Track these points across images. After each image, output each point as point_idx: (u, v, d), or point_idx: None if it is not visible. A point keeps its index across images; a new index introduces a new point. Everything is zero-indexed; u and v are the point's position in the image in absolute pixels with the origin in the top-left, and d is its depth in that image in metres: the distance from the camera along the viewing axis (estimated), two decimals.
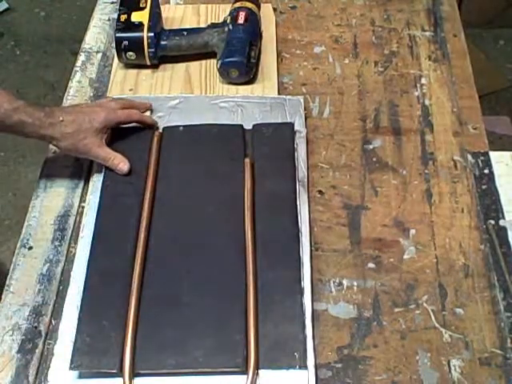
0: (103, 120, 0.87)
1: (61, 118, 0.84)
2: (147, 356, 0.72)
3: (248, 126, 0.93)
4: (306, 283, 0.77)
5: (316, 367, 0.72)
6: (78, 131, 0.85)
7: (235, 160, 0.88)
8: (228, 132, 0.92)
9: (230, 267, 0.79)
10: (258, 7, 1.07)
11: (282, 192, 0.85)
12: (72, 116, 0.85)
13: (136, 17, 1.02)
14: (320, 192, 0.89)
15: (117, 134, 0.91)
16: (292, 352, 0.72)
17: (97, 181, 0.88)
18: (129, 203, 0.84)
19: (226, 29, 1.02)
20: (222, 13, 1.11)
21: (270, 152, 0.89)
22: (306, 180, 0.88)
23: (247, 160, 0.88)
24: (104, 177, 0.88)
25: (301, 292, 0.76)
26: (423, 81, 1.02)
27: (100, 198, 0.85)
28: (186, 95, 0.99)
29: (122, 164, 0.87)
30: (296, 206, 0.83)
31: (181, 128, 0.93)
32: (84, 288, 0.77)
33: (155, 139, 0.91)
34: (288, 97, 0.98)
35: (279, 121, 0.94)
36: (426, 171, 0.91)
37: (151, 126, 0.94)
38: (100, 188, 0.87)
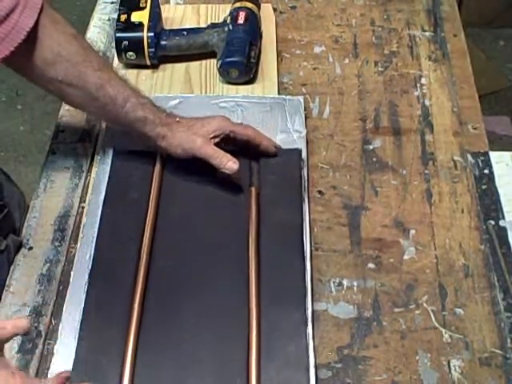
0: (216, 124, 0.85)
1: (177, 119, 0.85)
2: None
3: None
4: (307, 285, 0.76)
5: (316, 367, 0.72)
6: (189, 130, 0.84)
7: (240, 188, 0.85)
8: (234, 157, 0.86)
9: (233, 305, 0.75)
10: (258, 7, 1.07)
11: (289, 224, 0.81)
12: (187, 119, 0.86)
13: (136, 17, 1.02)
14: (320, 192, 0.89)
15: (120, 157, 0.89)
16: None
17: (97, 181, 0.88)
18: (129, 232, 0.81)
19: (226, 29, 1.02)
20: (221, 13, 1.11)
21: (276, 180, 0.85)
22: (306, 180, 0.88)
23: (253, 189, 0.85)
24: (104, 202, 0.84)
25: (306, 335, 0.72)
26: (423, 81, 1.02)
27: (100, 223, 0.82)
28: (185, 95, 0.99)
29: (230, 163, 0.82)
30: (303, 240, 0.80)
31: None
32: (81, 322, 0.74)
33: (158, 164, 0.87)
34: (288, 97, 0.98)
35: (279, 121, 0.94)
36: (426, 171, 0.91)
37: (266, 152, 0.88)
38: (100, 213, 0.83)
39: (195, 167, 0.86)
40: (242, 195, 0.84)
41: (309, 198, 0.87)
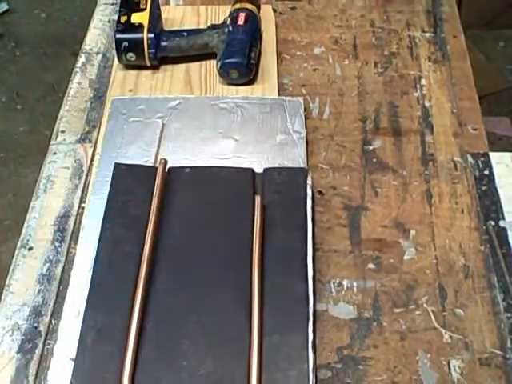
0: None
1: None
2: None
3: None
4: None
5: (316, 368, 0.72)
6: None
7: (244, 207, 0.82)
8: (237, 176, 0.85)
9: (234, 328, 0.73)
10: (258, 8, 1.07)
11: (292, 248, 0.79)
12: None
13: (136, 18, 1.02)
14: (320, 193, 0.89)
15: (119, 172, 0.86)
16: None
17: (97, 181, 0.88)
18: (129, 252, 0.78)
19: (226, 30, 1.02)
20: (221, 14, 1.11)
21: (280, 201, 0.83)
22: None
23: (257, 211, 0.81)
24: (104, 219, 0.82)
25: (307, 360, 0.71)
26: (423, 82, 1.02)
27: (99, 242, 0.80)
28: (185, 96, 0.99)
29: None
30: (306, 265, 0.78)
31: (187, 170, 0.87)
32: (78, 346, 0.72)
33: (159, 180, 0.84)
34: (288, 98, 0.98)
35: (279, 121, 0.94)
36: (426, 172, 0.91)
37: None
38: (99, 232, 0.81)
39: (199, 184, 0.85)
40: (246, 214, 0.82)
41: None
